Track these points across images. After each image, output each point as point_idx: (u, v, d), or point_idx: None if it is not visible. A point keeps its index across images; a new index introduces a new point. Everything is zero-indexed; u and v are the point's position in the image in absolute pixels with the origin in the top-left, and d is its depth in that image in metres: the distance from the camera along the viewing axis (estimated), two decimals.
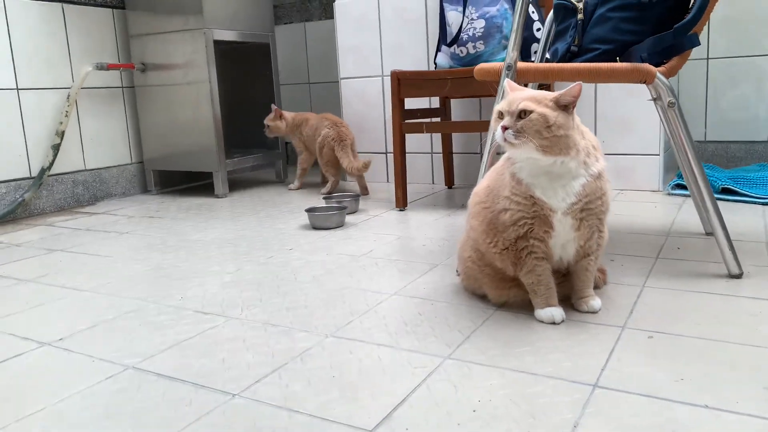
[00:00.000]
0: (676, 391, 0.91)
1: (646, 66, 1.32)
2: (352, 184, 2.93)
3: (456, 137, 2.75)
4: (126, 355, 1.14)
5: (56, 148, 2.59)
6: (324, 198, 2.43)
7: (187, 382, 1.03)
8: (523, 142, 1.08)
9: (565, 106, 1.09)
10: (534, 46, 2.17)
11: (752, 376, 0.94)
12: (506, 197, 1.17)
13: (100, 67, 2.71)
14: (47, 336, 1.26)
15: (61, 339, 1.24)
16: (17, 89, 2.50)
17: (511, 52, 1.35)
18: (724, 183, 2.16)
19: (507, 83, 1.20)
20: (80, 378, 1.06)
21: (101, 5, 2.81)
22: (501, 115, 1.13)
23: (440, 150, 2.77)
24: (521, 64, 1.36)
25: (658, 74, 1.32)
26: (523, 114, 1.09)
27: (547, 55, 1.67)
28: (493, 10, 2.18)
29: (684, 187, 2.31)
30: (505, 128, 1.09)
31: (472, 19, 2.21)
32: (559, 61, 1.50)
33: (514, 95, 1.13)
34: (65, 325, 1.31)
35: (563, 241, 1.17)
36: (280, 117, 2.84)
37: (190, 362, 1.10)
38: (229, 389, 0.99)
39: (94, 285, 1.58)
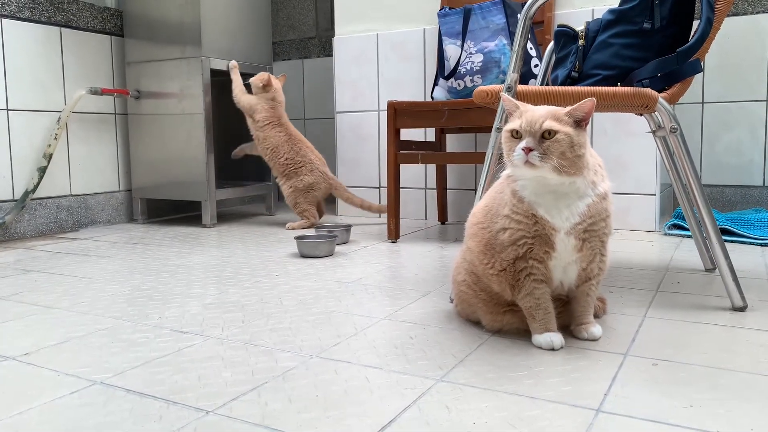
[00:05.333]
0: (686, 418, 0.84)
1: (648, 90, 1.29)
2: (332, 217, 2.88)
3: (451, 172, 2.72)
4: (94, 371, 1.06)
5: (42, 171, 2.53)
6: (315, 228, 2.37)
7: (159, 398, 0.95)
8: (547, 163, 1.03)
9: (578, 123, 1.05)
10: (532, 82, 2.17)
11: (766, 404, 0.88)
12: (506, 216, 1.12)
13: (94, 92, 2.68)
14: (11, 351, 1.18)
15: (26, 354, 1.16)
16: (7, 110, 2.45)
17: (512, 74, 1.32)
18: (722, 224, 2.12)
19: (508, 99, 1.16)
20: (42, 392, 0.98)
21: (100, 31, 2.80)
22: (515, 134, 1.07)
23: (434, 185, 2.73)
24: (521, 87, 1.34)
25: (661, 99, 1.30)
26: (547, 134, 1.03)
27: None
28: (491, 45, 2.18)
29: (681, 228, 2.27)
30: (529, 150, 1.03)
31: (470, 53, 2.21)
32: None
33: (532, 113, 1.06)
34: (32, 341, 1.23)
35: (564, 263, 1.11)
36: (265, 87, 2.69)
37: (162, 379, 1.02)
38: (203, 406, 0.91)
39: (68, 304, 1.50)
